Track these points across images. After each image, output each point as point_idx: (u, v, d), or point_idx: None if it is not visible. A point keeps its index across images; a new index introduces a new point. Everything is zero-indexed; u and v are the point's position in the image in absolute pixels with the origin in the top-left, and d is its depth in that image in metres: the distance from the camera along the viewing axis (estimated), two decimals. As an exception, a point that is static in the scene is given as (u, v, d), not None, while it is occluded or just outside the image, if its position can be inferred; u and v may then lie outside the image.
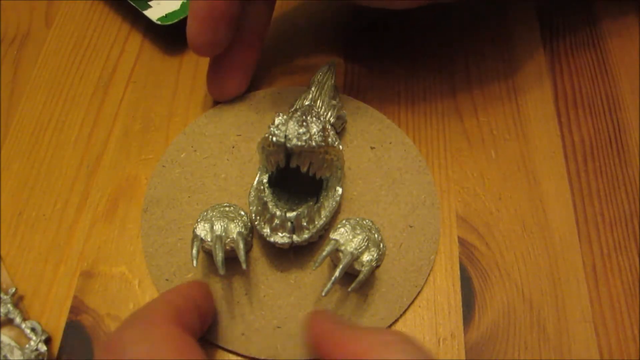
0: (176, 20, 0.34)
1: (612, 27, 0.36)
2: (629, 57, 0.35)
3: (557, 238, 0.29)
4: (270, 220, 0.26)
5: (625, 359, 0.26)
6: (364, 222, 0.27)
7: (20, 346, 0.26)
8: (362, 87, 0.34)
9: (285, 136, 0.25)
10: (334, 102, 0.30)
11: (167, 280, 0.28)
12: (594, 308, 0.27)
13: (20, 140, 0.33)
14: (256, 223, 0.27)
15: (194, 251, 0.26)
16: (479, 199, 0.30)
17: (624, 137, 0.32)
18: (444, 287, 0.27)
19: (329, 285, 0.25)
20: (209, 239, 0.26)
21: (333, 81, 0.31)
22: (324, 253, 0.25)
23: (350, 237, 0.26)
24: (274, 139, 0.25)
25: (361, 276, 0.25)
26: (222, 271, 0.25)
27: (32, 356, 0.25)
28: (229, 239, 0.26)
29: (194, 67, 0.35)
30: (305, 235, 0.27)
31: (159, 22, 0.34)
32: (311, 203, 0.28)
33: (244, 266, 0.25)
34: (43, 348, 0.26)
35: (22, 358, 0.25)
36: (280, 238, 0.26)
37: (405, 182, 0.30)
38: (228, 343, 0.26)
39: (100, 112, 0.34)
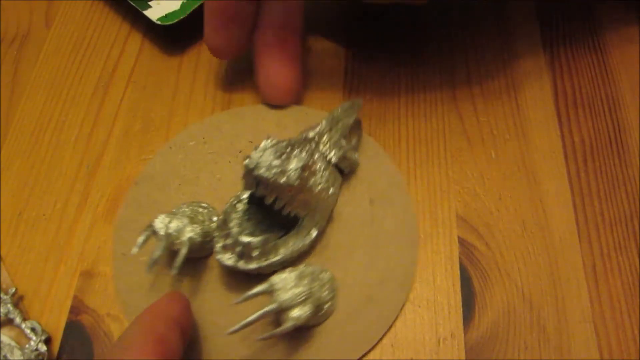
0: (176, 20, 0.34)
1: (612, 28, 0.36)
2: (629, 57, 0.35)
3: (557, 238, 0.29)
4: (225, 237, 0.26)
5: (625, 359, 0.26)
6: (321, 275, 0.26)
7: (20, 346, 0.26)
8: (362, 87, 0.34)
9: (257, 163, 0.24)
10: (343, 141, 0.29)
11: (123, 254, 0.27)
12: (594, 308, 0.27)
13: (20, 140, 0.33)
14: (215, 234, 0.27)
15: (141, 238, 0.26)
16: (479, 199, 0.30)
17: (624, 137, 0.32)
18: (444, 287, 0.27)
19: (237, 326, 0.23)
20: (162, 233, 0.26)
21: (352, 121, 0.29)
22: (253, 292, 0.24)
23: (290, 285, 0.24)
24: (246, 161, 0.24)
25: (277, 330, 0.24)
26: (148, 270, 0.25)
27: (32, 356, 0.25)
28: (178, 241, 0.26)
29: (194, 67, 0.35)
30: (252, 266, 0.26)
31: (159, 22, 0.34)
32: (274, 236, 0.27)
33: (173, 272, 0.25)
34: (43, 348, 0.26)
35: (22, 358, 0.25)
36: (227, 259, 0.26)
37: (390, 250, 0.28)
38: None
39: (100, 112, 0.34)
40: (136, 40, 0.36)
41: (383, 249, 0.28)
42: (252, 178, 0.25)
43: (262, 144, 0.25)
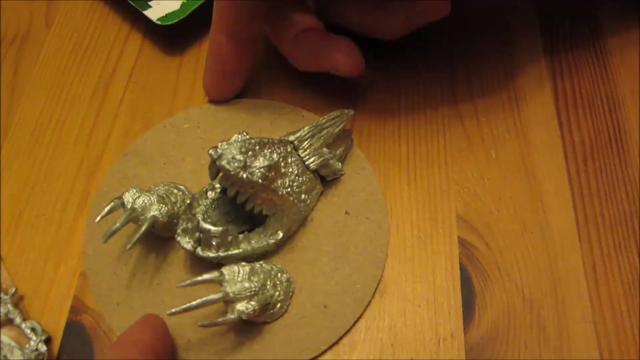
0: (176, 20, 0.34)
1: (613, 28, 0.36)
2: (629, 57, 0.35)
3: (557, 238, 0.29)
4: (187, 220, 0.27)
5: (625, 359, 0.26)
6: (278, 275, 0.26)
7: (20, 346, 0.26)
8: (362, 87, 0.34)
9: (221, 154, 0.24)
10: (325, 150, 0.29)
11: (96, 223, 0.27)
12: (594, 308, 0.27)
13: (20, 140, 0.33)
14: (181, 216, 0.27)
15: (107, 208, 0.26)
16: (479, 199, 0.30)
17: (624, 137, 0.32)
18: (444, 287, 0.27)
19: (177, 309, 0.24)
20: (128, 206, 0.26)
21: (337, 130, 0.29)
22: (201, 278, 0.25)
23: (240, 278, 0.25)
24: (211, 151, 0.25)
25: (219, 320, 0.24)
26: (103, 239, 0.26)
27: (32, 356, 0.25)
28: (142, 217, 0.26)
29: (194, 67, 0.35)
30: (210, 254, 0.26)
31: (159, 22, 0.34)
32: (236, 228, 0.27)
33: (127, 246, 0.26)
34: (43, 348, 0.26)
35: (22, 358, 0.25)
36: (185, 242, 0.26)
37: (355, 263, 0.28)
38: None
39: (100, 112, 0.34)
40: (136, 40, 0.36)
41: (348, 261, 0.28)
42: (215, 168, 0.25)
43: (233, 138, 0.26)
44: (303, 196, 0.28)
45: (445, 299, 0.27)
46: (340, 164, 0.30)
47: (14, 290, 0.27)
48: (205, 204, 0.27)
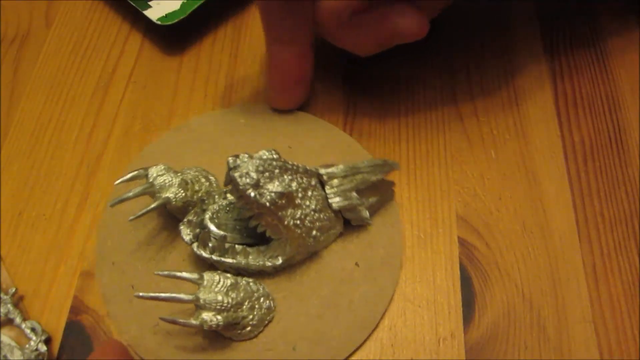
0: (176, 20, 0.34)
1: (613, 28, 0.36)
2: (629, 57, 0.35)
3: (557, 238, 0.29)
4: (196, 214, 0.27)
5: (625, 359, 0.26)
6: (260, 300, 0.25)
7: (20, 346, 0.26)
8: (362, 86, 0.34)
9: (237, 166, 0.24)
10: (354, 195, 0.27)
11: (115, 184, 0.27)
12: (594, 308, 0.27)
13: (20, 140, 0.33)
14: (195, 207, 0.27)
15: (129, 175, 0.27)
16: (479, 199, 0.30)
17: (624, 137, 0.32)
18: (444, 287, 0.27)
19: (145, 294, 0.24)
20: (149, 180, 0.26)
21: (374, 179, 0.27)
22: (179, 274, 0.25)
23: (217, 289, 0.24)
24: (230, 159, 0.24)
25: (181, 320, 0.24)
26: (110, 204, 0.26)
27: (32, 356, 0.25)
28: (158, 194, 0.26)
29: (194, 67, 0.35)
30: (204, 254, 0.26)
31: (159, 22, 0.34)
32: (238, 238, 0.27)
33: (130, 218, 0.26)
34: (43, 348, 0.26)
35: (22, 358, 0.25)
36: (185, 234, 0.26)
37: (340, 318, 0.26)
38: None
39: (100, 112, 0.34)
40: (136, 40, 0.36)
41: (337, 313, 0.26)
42: (228, 176, 0.25)
43: (259, 153, 0.25)
44: (314, 232, 0.26)
45: (445, 299, 0.27)
46: (368, 213, 0.28)
47: (14, 290, 0.27)
48: (220, 203, 0.27)
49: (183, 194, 0.27)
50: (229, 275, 0.25)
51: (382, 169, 0.28)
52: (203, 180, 0.28)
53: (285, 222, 0.25)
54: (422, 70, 0.34)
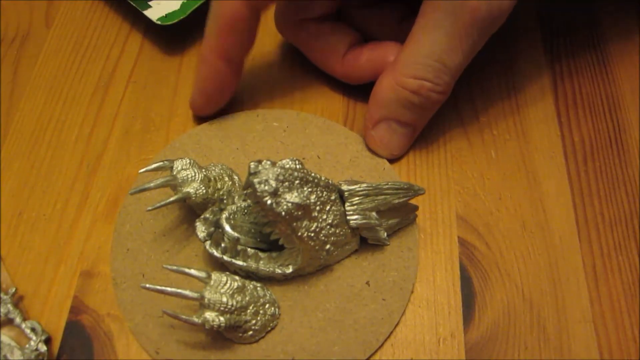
0: (176, 20, 0.34)
1: (612, 28, 0.36)
2: (629, 57, 0.35)
3: (557, 238, 0.29)
4: (213, 212, 0.27)
5: (625, 359, 0.26)
6: (266, 307, 0.25)
7: (20, 346, 0.26)
8: (362, 86, 0.34)
9: (257, 171, 0.24)
10: (374, 215, 0.26)
11: (140, 172, 0.27)
12: (594, 308, 0.27)
13: (20, 140, 0.33)
14: (213, 205, 0.27)
15: (155, 165, 0.27)
16: (479, 199, 0.30)
17: (624, 137, 0.32)
18: (444, 287, 0.27)
19: (150, 286, 0.24)
20: (172, 172, 0.27)
21: (397, 201, 0.27)
22: (187, 270, 0.25)
23: (223, 290, 0.24)
24: (252, 164, 0.24)
25: (182, 316, 0.24)
26: (130, 191, 0.27)
27: (32, 356, 0.25)
28: (179, 188, 0.26)
29: (194, 67, 0.35)
30: (215, 253, 0.26)
31: (159, 22, 0.34)
32: (251, 242, 0.27)
33: (147, 208, 0.26)
34: (43, 348, 0.26)
35: (22, 358, 0.25)
36: (200, 231, 0.26)
37: (343, 336, 0.26)
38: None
39: (100, 112, 0.34)
40: (136, 40, 0.36)
41: (340, 330, 0.26)
42: (248, 181, 0.24)
43: (283, 161, 0.25)
44: (328, 246, 0.26)
45: (445, 299, 0.27)
46: (386, 234, 0.27)
47: (14, 290, 0.27)
48: (238, 205, 0.27)
49: (203, 191, 0.27)
50: (237, 277, 0.25)
51: (406, 192, 0.27)
52: (227, 179, 0.28)
53: (299, 233, 0.25)
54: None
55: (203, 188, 0.27)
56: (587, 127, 0.32)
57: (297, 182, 0.24)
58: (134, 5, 0.36)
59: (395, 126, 0.29)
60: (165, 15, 0.35)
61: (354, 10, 0.32)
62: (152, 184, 0.27)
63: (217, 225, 0.26)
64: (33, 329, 0.26)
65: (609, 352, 0.26)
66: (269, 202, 0.23)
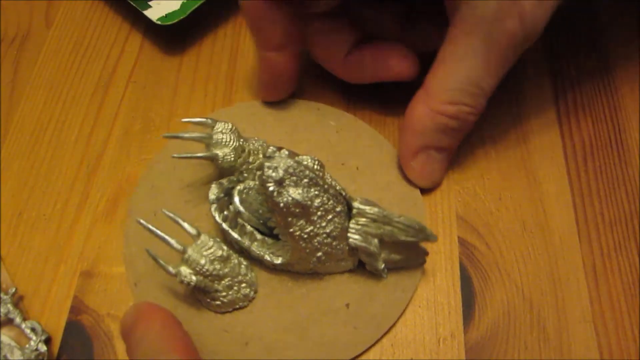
0: (176, 20, 0.34)
1: (613, 27, 0.36)
2: (629, 57, 0.35)
3: (557, 238, 0.29)
4: (230, 181, 0.27)
5: (625, 359, 0.26)
6: (242, 287, 0.26)
7: (20, 346, 0.26)
8: (362, 87, 0.34)
9: (273, 158, 0.24)
10: (375, 242, 0.26)
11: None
12: (594, 308, 0.27)
13: (20, 140, 0.33)
14: (235, 174, 0.28)
15: (199, 119, 0.28)
16: (479, 199, 0.30)
17: (624, 137, 0.32)
18: (444, 287, 0.27)
19: (144, 223, 0.25)
20: (213, 134, 0.27)
21: (403, 239, 0.26)
22: (179, 221, 0.25)
23: (205, 252, 0.25)
24: (271, 148, 0.25)
25: (161, 262, 0.25)
26: (163, 135, 0.28)
27: (32, 356, 0.25)
28: (210, 147, 0.27)
29: (194, 67, 0.35)
30: (217, 218, 0.26)
31: (159, 22, 0.34)
32: (254, 222, 0.27)
33: (173, 155, 0.28)
34: (43, 348, 0.26)
35: (22, 358, 0.25)
36: (212, 193, 0.27)
37: (301, 346, 0.26)
38: None
39: (100, 112, 0.34)
40: (136, 40, 0.36)
41: (306, 340, 0.26)
42: (260, 163, 0.25)
43: (302, 157, 0.25)
44: (320, 254, 0.26)
45: (445, 299, 0.27)
46: (384, 265, 0.26)
47: (14, 290, 0.27)
48: (256, 183, 0.27)
49: (231, 158, 0.27)
50: (225, 247, 0.26)
51: (416, 233, 0.26)
52: (261, 155, 0.28)
53: (291, 230, 0.25)
54: (423, 70, 0.34)
55: (233, 156, 0.27)
56: (587, 127, 0.32)
57: (305, 180, 0.24)
58: (134, 5, 0.36)
59: (434, 154, 0.29)
60: (165, 15, 0.35)
61: (357, 6, 0.32)
62: (186, 135, 0.28)
63: (229, 193, 0.27)
64: (33, 329, 0.26)
65: (609, 352, 0.26)
66: (271, 188, 0.24)
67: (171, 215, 0.26)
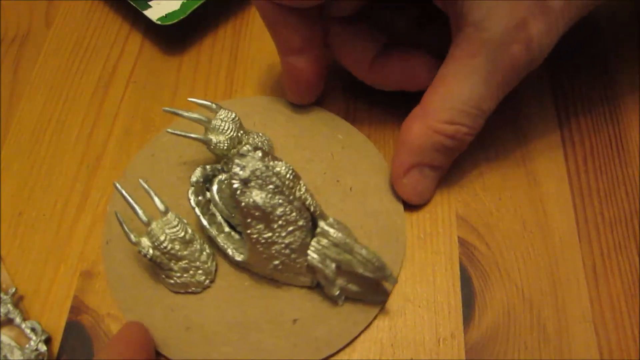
0: (176, 20, 0.34)
1: (612, 27, 0.36)
2: (629, 57, 0.35)
3: (557, 238, 0.29)
4: (214, 169, 0.27)
5: (625, 359, 0.26)
6: (197, 273, 0.26)
7: (20, 346, 0.26)
8: (363, 88, 0.34)
9: (245, 154, 0.24)
10: (332, 266, 0.25)
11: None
12: (594, 308, 0.27)
13: (20, 140, 0.33)
14: (224, 164, 0.28)
15: (205, 102, 0.28)
16: (479, 199, 0.30)
17: (624, 137, 0.32)
18: (444, 287, 0.27)
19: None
20: (214, 116, 0.27)
21: (362, 272, 0.25)
22: (151, 193, 0.26)
23: (167, 230, 0.25)
24: (247, 146, 0.24)
25: (126, 229, 0.25)
26: (164, 109, 0.28)
27: (32, 356, 0.25)
28: (206, 131, 0.27)
29: (194, 67, 0.35)
30: (190, 200, 0.27)
31: (159, 22, 0.34)
32: (226, 215, 0.27)
33: (167, 129, 0.28)
34: (43, 348, 0.26)
35: (22, 358, 0.25)
36: (195, 176, 0.27)
37: (240, 344, 0.26)
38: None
39: (100, 112, 0.34)
40: (136, 40, 0.36)
41: (243, 340, 0.26)
42: (233, 157, 0.24)
43: (277, 162, 0.24)
44: (277, 262, 0.25)
45: (445, 299, 0.27)
46: (338, 292, 0.26)
47: (14, 290, 0.27)
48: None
49: (224, 147, 0.27)
50: (191, 231, 0.26)
51: (374, 270, 0.24)
52: (259, 150, 0.28)
53: (248, 231, 0.24)
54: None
55: (226, 145, 0.27)
56: (587, 127, 0.32)
57: (271, 186, 0.24)
58: (134, 5, 0.36)
59: (427, 172, 0.28)
60: (165, 15, 0.35)
61: (376, 10, 0.31)
62: (186, 113, 0.28)
63: (208, 180, 0.27)
64: (33, 329, 0.26)
65: (609, 352, 0.26)
66: (235, 185, 0.24)
67: (145, 186, 0.26)
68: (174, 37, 0.36)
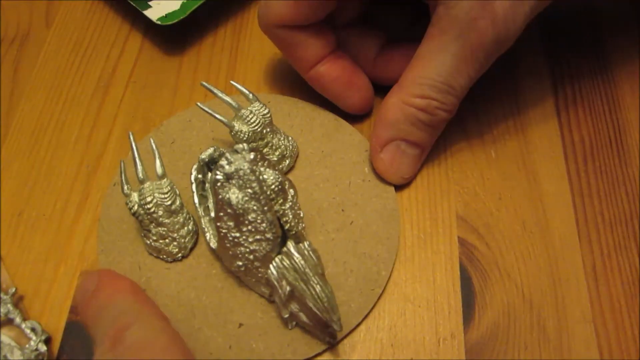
0: (176, 20, 0.34)
1: (613, 28, 0.36)
2: (629, 57, 0.35)
3: (557, 238, 0.29)
4: (222, 152, 0.27)
5: (625, 359, 0.26)
6: (172, 245, 0.27)
7: (20, 346, 0.26)
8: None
9: (237, 151, 0.24)
10: (287, 288, 0.24)
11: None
12: (594, 308, 0.27)
13: (20, 140, 0.33)
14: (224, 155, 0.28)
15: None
16: (479, 199, 0.30)
17: (624, 137, 0.32)
18: (444, 287, 0.27)
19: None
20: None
21: (311, 306, 0.24)
22: (158, 156, 0.27)
23: (157, 194, 0.26)
24: (243, 145, 0.24)
25: (124, 180, 0.26)
26: (202, 83, 0.29)
27: (32, 356, 0.25)
28: (233, 117, 0.28)
29: (194, 67, 0.35)
30: (192, 173, 0.27)
31: (159, 22, 0.34)
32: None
33: (198, 103, 0.28)
34: (43, 348, 0.26)
35: (22, 358, 0.25)
36: (205, 154, 0.27)
37: (183, 325, 0.26)
38: None
39: (100, 112, 0.34)
40: (136, 40, 0.36)
41: (190, 324, 0.26)
42: (226, 150, 0.24)
43: (267, 170, 0.24)
44: (240, 263, 0.25)
45: (445, 299, 0.27)
46: (287, 315, 0.25)
47: (14, 290, 0.27)
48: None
49: (243, 138, 0.28)
50: (179, 202, 0.27)
51: (323, 309, 0.24)
52: (280, 156, 0.29)
53: (219, 224, 0.25)
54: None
55: (246, 137, 0.28)
56: (587, 127, 0.32)
57: (249, 190, 0.23)
58: (134, 5, 0.36)
59: (404, 147, 0.29)
60: (165, 15, 0.35)
61: (376, 13, 0.32)
62: (220, 93, 0.28)
63: (214, 162, 0.27)
64: (33, 329, 0.26)
65: (609, 352, 0.26)
66: (218, 177, 0.24)
67: (154, 146, 0.27)
68: (174, 37, 0.36)
